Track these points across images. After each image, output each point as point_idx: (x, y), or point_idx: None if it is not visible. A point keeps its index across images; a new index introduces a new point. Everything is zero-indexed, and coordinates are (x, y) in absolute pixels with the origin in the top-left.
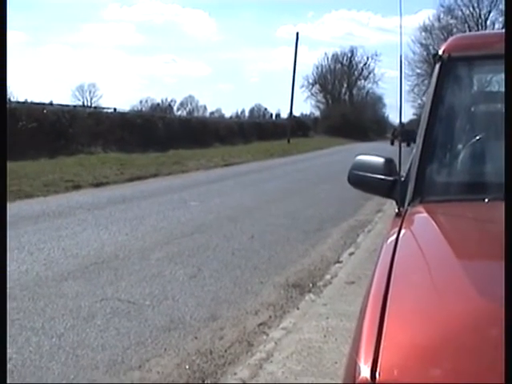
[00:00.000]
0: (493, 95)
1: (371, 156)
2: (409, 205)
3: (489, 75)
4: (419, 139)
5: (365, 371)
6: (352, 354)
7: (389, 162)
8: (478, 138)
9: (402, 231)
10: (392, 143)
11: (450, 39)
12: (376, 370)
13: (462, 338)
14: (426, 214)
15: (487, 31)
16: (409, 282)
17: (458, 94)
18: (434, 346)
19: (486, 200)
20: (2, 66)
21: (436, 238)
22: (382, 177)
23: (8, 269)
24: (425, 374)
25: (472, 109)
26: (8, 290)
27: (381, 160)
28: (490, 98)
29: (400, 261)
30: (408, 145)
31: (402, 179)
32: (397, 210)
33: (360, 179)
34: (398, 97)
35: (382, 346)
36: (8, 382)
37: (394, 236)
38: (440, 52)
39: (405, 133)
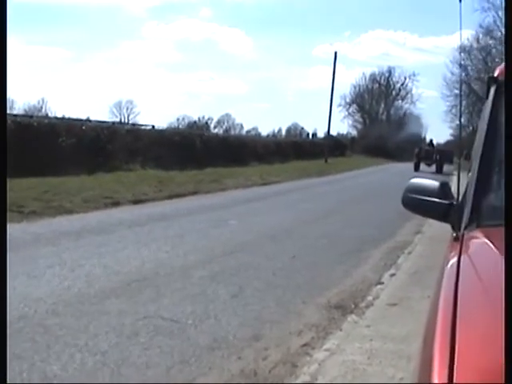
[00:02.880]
0: None
1: (426, 179)
2: (465, 229)
3: None
4: (475, 162)
5: None
6: (422, 378)
7: (444, 185)
8: None
9: (462, 256)
10: (416, 168)
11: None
12: None
13: None
14: (484, 239)
15: None
16: (476, 308)
17: None
18: (507, 373)
19: None
20: (3, 79)
21: (496, 263)
22: (438, 200)
23: (50, 285)
24: None
25: None
26: (51, 306)
27: (436, 183)
28: None
29: (464, 285)
30: (439, 170)
31: (458, 203)
32: (454, 235)
33: (415, 202)
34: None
35: (455, 371)
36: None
37: (455, 260)
38: (495, 75)
39: (432, 154)
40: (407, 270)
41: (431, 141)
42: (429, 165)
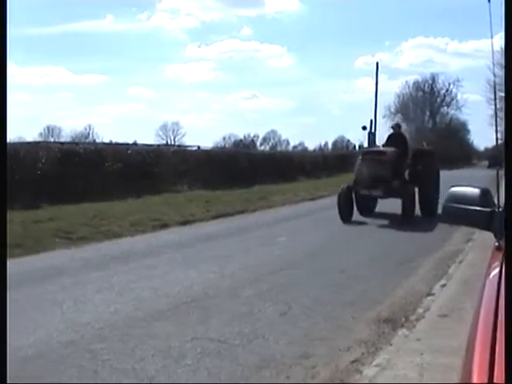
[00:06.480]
0: None
1: (466, 187)
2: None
3: None
4: None
5: None
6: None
7: (485, 192)
8: None
9: (505, 265)
10: (347, 213)
11: None
12: None
13: None
14: None
15: None
16: None
17: None
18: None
19: None
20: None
21: None
22: (479, 208)
23: (98, 310)
24: None
25: None
26: (98, 331)
27: (476, 190)
28: None
29: (505, 296)
30: (427, 211)
31: (500, 210)
32: (496, 244)
33: (455, 212)
34: None
35: (495, 373)
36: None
37: (497, 270)
38: None
39: (394, 165)
40: (458, 280)
41: (398, 126)
42: (383, 195)
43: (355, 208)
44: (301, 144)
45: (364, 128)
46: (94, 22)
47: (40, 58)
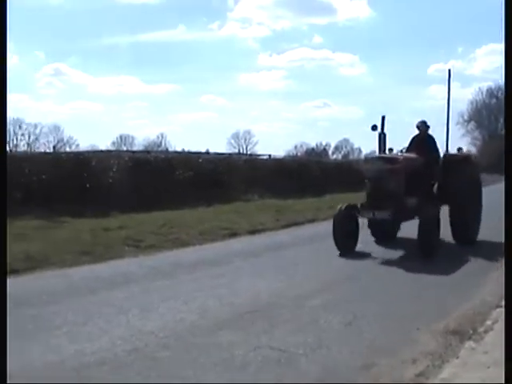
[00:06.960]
0: None
1: None
2: None
3: None
4: None
5: None
6: None
7: None
8: None
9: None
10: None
11: None
12: None
13: None
14: None
15: None
16: None
17: None
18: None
19: None
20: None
21: None
22: None
23: (163, 318)
24: None
25: None
26: (162, 340)
27: None
28: None
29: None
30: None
31: None
32: None
33: None
34: None
35: None
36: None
37: None
38: None
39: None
40: None
41: (424, 124)
42: (393, 217)
43: (369, 233)
44: (372, 153)
45: (374, 128)
46: (166, 32)
47: (112, 68)
